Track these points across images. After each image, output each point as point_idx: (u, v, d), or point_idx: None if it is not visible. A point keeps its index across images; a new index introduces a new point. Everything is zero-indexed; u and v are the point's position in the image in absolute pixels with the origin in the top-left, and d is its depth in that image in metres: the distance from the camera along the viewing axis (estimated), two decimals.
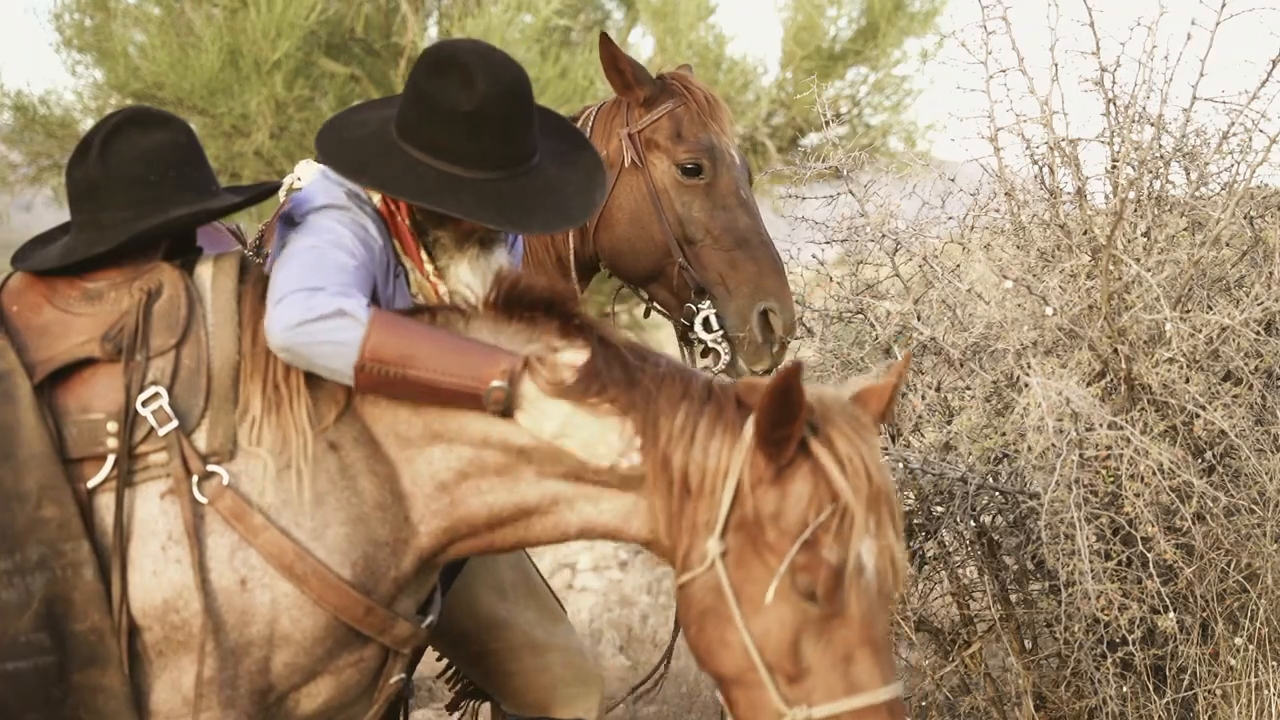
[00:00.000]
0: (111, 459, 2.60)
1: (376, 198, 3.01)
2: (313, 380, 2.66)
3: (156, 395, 2.62)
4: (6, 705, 2.56)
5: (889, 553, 2.46)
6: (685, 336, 3.82)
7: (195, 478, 2.58)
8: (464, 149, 2.90)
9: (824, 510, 2.43)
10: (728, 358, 3.77)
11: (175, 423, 2.60)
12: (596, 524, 2.66)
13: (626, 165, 3.84)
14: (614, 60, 3.89)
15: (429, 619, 2.84)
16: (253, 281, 2.75)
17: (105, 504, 2.60)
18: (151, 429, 2.60)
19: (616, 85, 3.92)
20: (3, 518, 2.58)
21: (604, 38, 3.91)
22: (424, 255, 3.09)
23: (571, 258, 3.88)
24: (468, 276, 3.16)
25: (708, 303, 3.77)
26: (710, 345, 3.77)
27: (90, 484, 2.61)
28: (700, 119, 3.86)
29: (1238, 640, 3.92)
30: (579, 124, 3.91)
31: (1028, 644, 4.23)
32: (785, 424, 2.44)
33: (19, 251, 2.88)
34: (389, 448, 2.68)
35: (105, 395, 2.63)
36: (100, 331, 2.67)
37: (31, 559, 2.56)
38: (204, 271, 2.76)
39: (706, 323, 3.76)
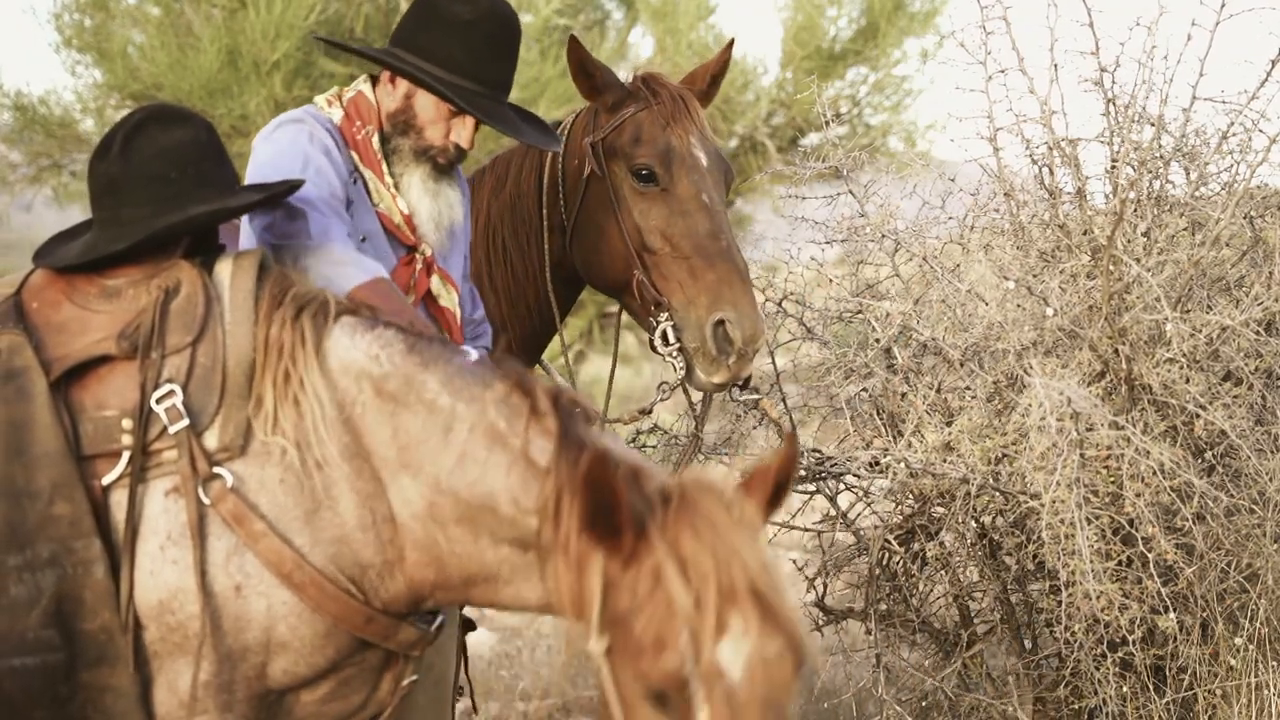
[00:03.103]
0: (126, 456, 2.60)
1: (336, 115, 3.40)
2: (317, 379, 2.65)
3: (171, 393, 2.61)
4: (14, 702, 2.56)
5: (763, 656, 2.24)
6: (654, 348, 3.71)
7: (201, 478, 2.58)
8: (457, 57, 3.29)
9: (670, 615, 2.24)
10: (683, 372, 3.65)
11: (186, 420, 2.59)
12: (548, 600, 2.55)
13: (588, 174, 3.75)
14: (581, 64, 3.77)
15: (439, 619, 2.83)
16: (271, 281, 2.74)
17: (118, 502, 2.60)
18: (165, 427, 2.60)
19: (584, 90, 3.81)
20: (14, 514, 2.57)
21: (572, 40, 3.81)
22: (384, 166, 3.38)
23: (549, 271, 3.84)
24: (418, 194, 3.40)
25: (665, 315, 3.64)
26: (667, 359, 3.65)
27: (104, 481, 2.60)
28: (662, 122, 3.72)
29: (1238, 640, 3.92)
30: (560, 130, 3.84)
31: (1028, 644, 4.23)
32: (606, 512, 2.28)
33: (41, 248, 2.89)
34: (374, 465, 2.62)
35: (120, 392, 2.63)
36: (117, 329, 2.67)
37: (42, 556, 2.56)
38: (223, 270, 2.75)
39: (664, 335, 3.64)
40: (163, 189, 2.79)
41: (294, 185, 3.02)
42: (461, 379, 2.61)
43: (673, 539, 2.28)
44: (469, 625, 3.68)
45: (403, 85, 3.40)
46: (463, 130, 3.40)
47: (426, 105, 3.40)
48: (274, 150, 3.28)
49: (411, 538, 2.62)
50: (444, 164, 3.42)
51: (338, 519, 2.60)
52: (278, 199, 2.99)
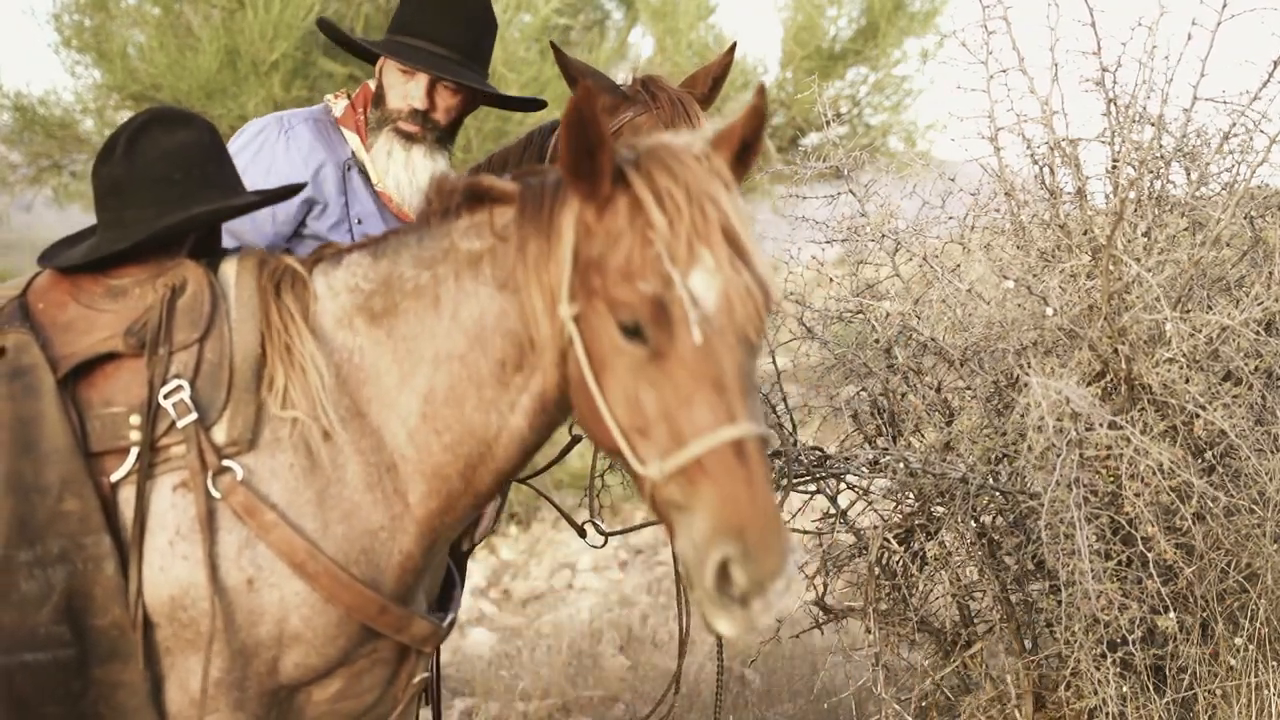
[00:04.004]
0: (134, 452, 2.61)
1: (340, 108, 3.63)
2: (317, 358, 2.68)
3: (179, 388, 2.63)
4: (26, 698, 2.57)
5: (736, 288, 2.34)
6: None
7: (210, 472, 2.59)
8: (407, 19, 3.53)
9: (645, 244, 2.35)
10: None
11: (194, 415, 2.61)
12: (525, 401, 2.62)
13: None
14: (566, 69, 3.79)
15: (449, 616, 2.84)
16: (282, 280, 2.76)
17: (126, 498, 2.62)
18: (173, 422, 2.62)
19: None
20: (24, 510, 2.59)
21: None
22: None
23: None
24: (383, 163, 3.55)
25: None
26: None
27: (113, 478, 2.62)
28: (661, 126, 3.70)
29: (1238, 640, 3.92)
30: (554, 135, 3.87)
31: (1028, 644, 4.23)
32: (588, 152, 2.37)
33: (46, 251, 2.92)
34: (373, 414, 2.67)
35: (128, 389, 2.65)
36: (124, 326, 2.69)
37: (52, 552, 2.58)
38: (228, 268, 2.78)
39: None
40: (166, 190, 2.81)
41: (295, 188, 3.04)
42: (428, 245, 2.69)
43: (648, 175, 2.38)
44: None
45: (381, 62, 3.59)
46: (414, 89, 3.50)
47: (388, 72, 3.58)
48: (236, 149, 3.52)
49: (411, 469, 2.66)
50: (411, 131, 3.53)
51: (346, 490, 2.63)
52: (278, 199, 3.01)
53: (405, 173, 3.55)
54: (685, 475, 2.31)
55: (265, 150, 3.58)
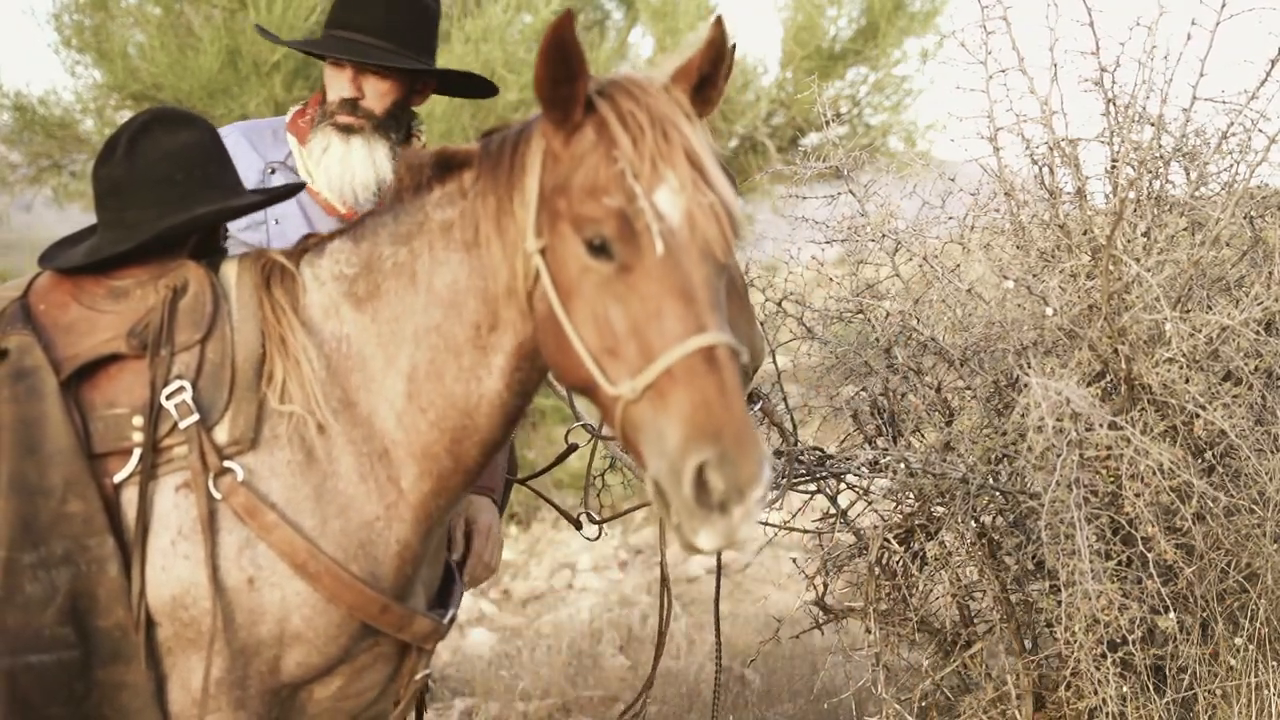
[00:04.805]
0: (136, 453, 2.62)
1: (291, 112, 3.69)
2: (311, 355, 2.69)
3: (181, 389, 2.64)
4: (31, 699, 2.57)
5: (700, 207, 2.36)
6: None
7: (211, 473, 2.60)
8: (334, 12, 3.56)
9: (610, 161, 2.37)
10: None
11: (196, 416, 2.62)
12: (499, 360, 2.63)
13: None
14: None
15: (450, 613, 2.84)
16: (271, 275, 2.76)
17: (129, 499, 2.62)
18: (175, 423, 2.62)
19: None
20: (28, 512, 2.59)
21: None
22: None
23: None
24: (317, 159, 3.57)
25: None
26: None
27: (116, 479, 2.62)
28: None
29: (1238, 640, 3.92)
30: None
31: (1028, 644, 4.23)
32: (565, 80, 2.40)
33: (46, 252, 2.92)
34: (363, 402, 2.68)
35: (130, 390, 2.66)
36: (126, 328, 2.69)
37: (56, 553, 2.58)
38: (229, 269, 2.79)
39: None
40: (168, 191, 2.81)
41: (297, 187, 3.05)
42: (404, 221, 2.70)
43: (611, 100, 2.42)
44: None
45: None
46: (344, 80, 3.56)
47: (325, 70, 3.62)
48: None
49: (402, 453, 2.67)
50: (346, 123, 3.55)
51: (341, 483, 2.64)
52: (279, 199, 3.02)
53: (341, 166, 3.57)
54: (656, 389, 2.30)
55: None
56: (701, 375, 2.28)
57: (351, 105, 3.57)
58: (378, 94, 3.59)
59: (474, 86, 3.91)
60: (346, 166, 3.57)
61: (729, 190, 2.42)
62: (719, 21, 2.50)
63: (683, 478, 2.25)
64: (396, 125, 3.64)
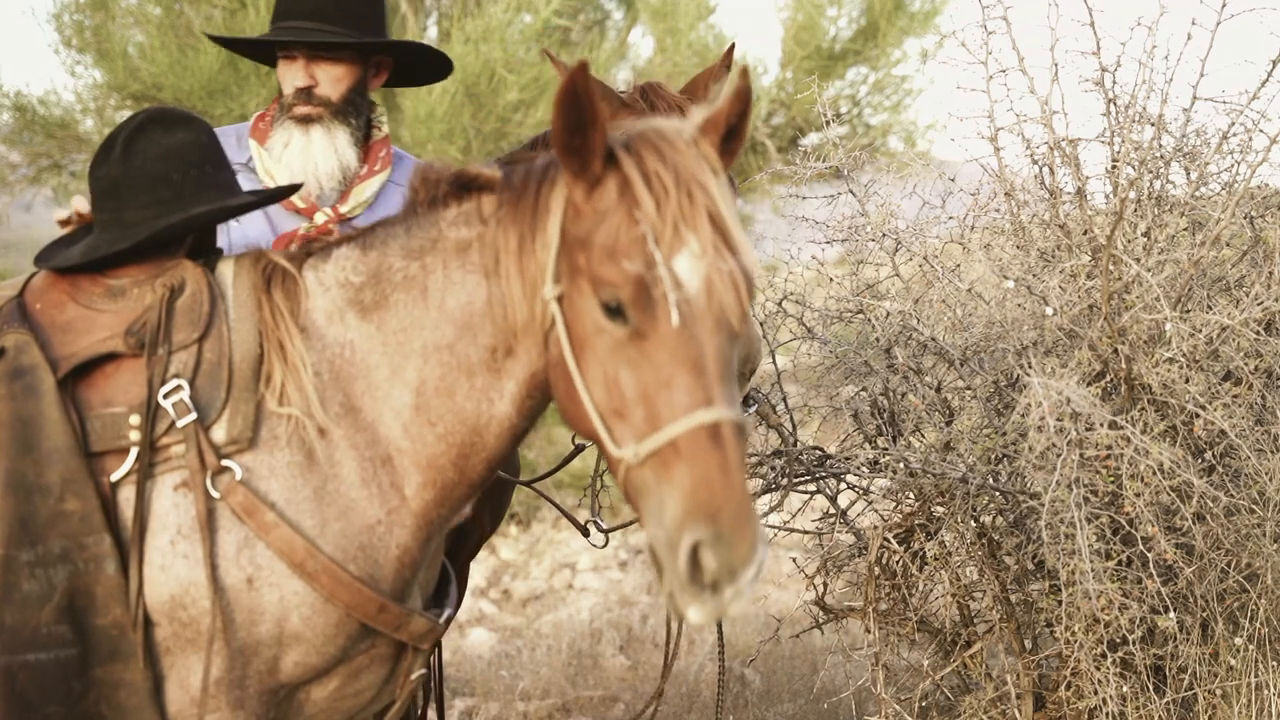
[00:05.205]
0: (134, 452, 2.62)
1: (255, 114, 3.69)
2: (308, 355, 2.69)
3: (178, 388, 2.64)
4: (28, 697, 2.58)
5: (719, 273, 2.34)
6: None
7: (209, 472, 2.60)
8: (277, 6, 3.59)
9: (632, 223, 2.35)
10: None
11: (194, 415, 2.62)
12: (512, 386, 2.63)
13: None
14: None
15: (446, 612, 2.84)
16: (272, 278, 2.76)
17: (127, 498, 2.63)
18: (172, 422, 2.63)
19: None
20: (25, 510, 2.59)
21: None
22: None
23: None
24: (278, 153, 3.57)
25: None
26: None
27: (113, 477, 2.62)
28: None
29: (1238, 640, 3.92)
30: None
31: (1028, 644, 4.23)
32: (580, 130, 2.37)
33: (42, 251, 2.92)
34: (366, 409, 2.68)
35: (128, 389, 2.66)
36: (123, 327, 2.70)
37: (54, 552, 2.58)
38: (225, 269, 2.79)
39: None
40: (164, 190, 2.81)
41: (293, 188, 3.05)
42: (416, 235, 2.70)
43: (638, 157, 2.38)
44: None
45: None
46: (295, 71, 3.58)
47: (278, 67, 3.63)
48: None
49: (407, 462, 2.67)
50: (304, 114, 3.57)
51: (343, 486, 2.64)
52: (274, 200, 3.02)
53: (303, 158, 3.57)
54: (659, 458, 2.30)
55: None
56: (705, 451, 2.28)
57: (307, 94, 3.56)
58: (331, 79, 3.57)
59: (431, 71, 3.89)
60: (308, 158, 3.56)
61: (749, 253, 2.41)
62: (745, 72, 2.47)
63: (678, 554, 2.27)
64: (355, 111, 3.63)
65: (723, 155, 2.46)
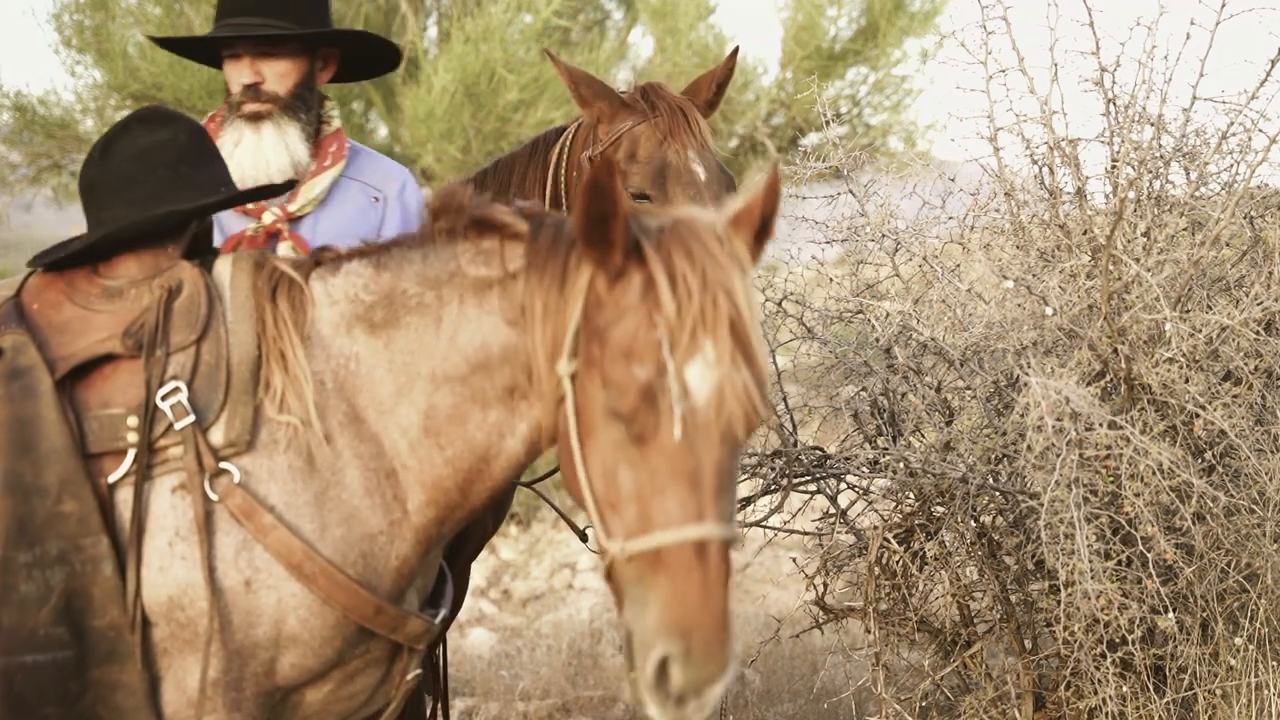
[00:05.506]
0: (131, 454, 2.62)
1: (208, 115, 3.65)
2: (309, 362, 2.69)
3: (176, 389, 2.63)
4: (25, 698, 2.57)
5: (731, 385, 2.31)
6: None
7: (207, 474, 2.60)
8: (237, 3, 3.55)
9: (649, 326, 2.32)
10: None
11: (192, 417, 2.61)
12: (524, 428, 2.64)
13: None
14: (565, 76, 3.77)
15: (441, 613, 2.85)
16: (279, 286, 2.75)
17: (124, 499, 2.62)
18: (170, 424, 2.62)
19: (575, 100, 3.81)
20: (23, 511, 2.59)
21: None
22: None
23: None
24: (229, 151, 3.53)
25: None
26: None
27: (110, 479, 2.62)
28: (659, 136, 3.68)
29: (1238, 640, 3.92)
30: (563, 140, 3.83)
31: (1028, 644, 4.23)
32: (602, 221, 2.34)
33: (39, 255, 2.91)
34: (371, 420, 2.68)
35: (126, 390, 2.66)
36: (121, 328, 2.69)
37: (51, 553, 2.58)
38: (222, 269, 2.78)
39: None
40: (134, 191, 2.82)
41: (279, 187, 3.04)
42: (433, 264, 2.68)
43: (667, 255, 2.35)
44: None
45: None
46: (240, 69, 3.57)
47: (224, 68, 3.61)
48: None
49: (411, 478, 2.67)
50: (253, 111, 3.56)
51: (345, 492, 2.64)
52: (258, 198, 3.00)
53: (254, 157, 3.54)
54: (645, 561, 2.31)
55: None
56: (688, 568, 2.28)
57: (255, 91, 3.54)
58: (278, 75, 3.55)
59: (380, 62, 3.87)
60: (259, 156, 3.53)
61: (765, 363, 2.39)
62: (775, 166, 2.44)
63: (647, 662, 2.29)
64: (305, 106, 3.61)
65: (754, 249, 2.43)
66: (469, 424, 2.65)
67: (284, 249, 3.48)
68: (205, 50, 3.80)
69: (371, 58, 3.86)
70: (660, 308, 2.32)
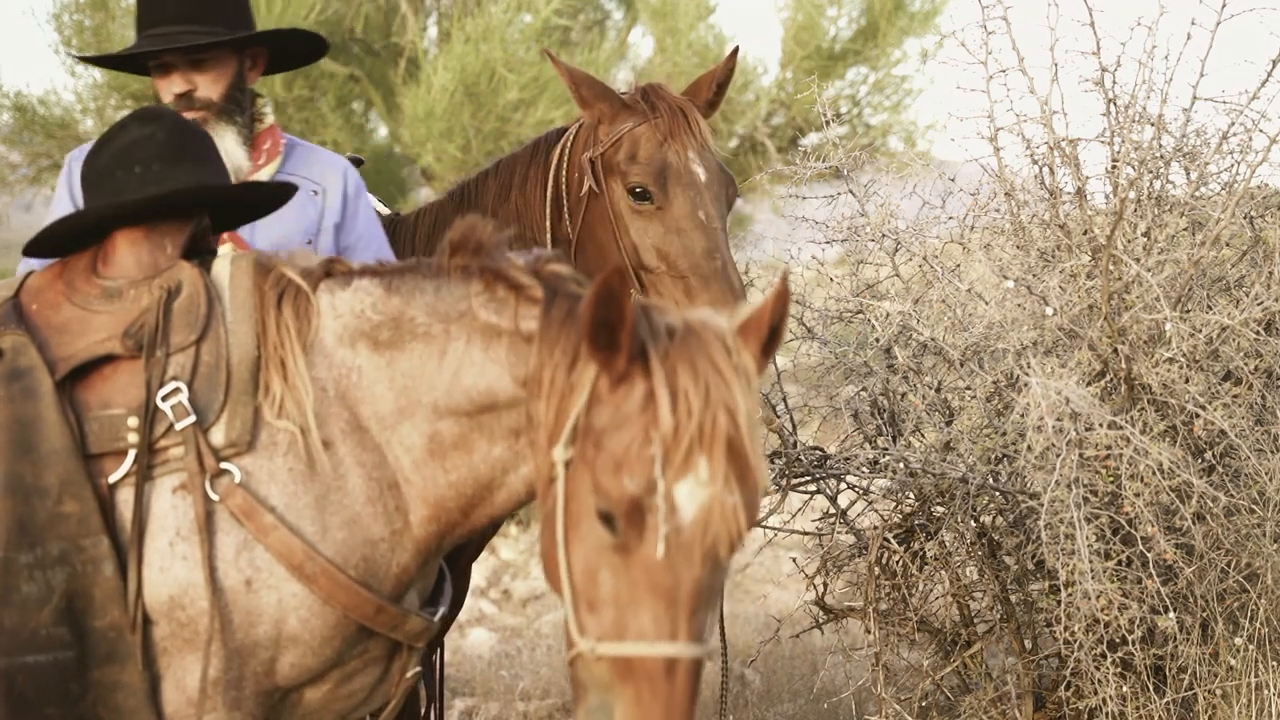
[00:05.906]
0: (132, 454, 2.62)
1: None
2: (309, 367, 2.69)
3: (176, 390, 2.63)
4: (27, 699, 2.58)
5: (720, 506, 2.29)
6: None
7: (208, 475, 2.60)
8: (141, 15, 3.56)
9: (645, 441, 2.30)
10: None
11: (192, 417, 2.61)
12: (527, 471, 2.63)
13: (586, 191, 3.73)
14: (566, 76, 3.77)
15: (440, 610, 2.85)
16: (285, 293, 2.75)
17: (125, 500, 2.62)
18: (170, 424, 2.62)
19: (576, 100, 3.82)
20: (24, 512, 2.59)
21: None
22: None
23: None
24: None
25: None
26: None
27: (111, 479, 2.62)
28: (659, 137, 3.68)
29: (1238, 640, 3.92)
30: (564, 141, 3.83)
31: (1028, 644, 4.23)
32: (609, 327, 2.32)
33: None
34: (374, 431, 2.68)
35: (126, 391, 2.66)
36: (120, 328, 2.70)
37: (52, 554, 2.58)
38: (221, 269, 2.78)
39: None
40: (108, 186, 2.84)
41: (277, 186, 3.06)
42: (445, 299, 2.67)
43: (671, 369, 2.33)
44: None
45: None
46: (165, 80, 3.55)
47: (153, 76, 3.60)
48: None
49: (414, 493, 2.67)
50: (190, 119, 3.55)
51: (347, 499, 2.64)
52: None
53: None
54: (614, 667, 2.30)
55: (60, 184, 3.68)
56: (655, 683, 2.28)
57: (188, 99, 3.52)
58: (209, 80, 3.54)
59: (307, 53, 3.87)
60: None
61: (758, 484, 2.36)
62: (785, 277, 2.42)
63: None
64: (239, 108, 3.60)
65: (760, 360, 2.42)
66: (474, 455, 2.65)
67: (224, 250, 3.46)
68: (133, 63, 3.76)
69: (300, 50, 3.86)
70: (658, 424, 2.30)
